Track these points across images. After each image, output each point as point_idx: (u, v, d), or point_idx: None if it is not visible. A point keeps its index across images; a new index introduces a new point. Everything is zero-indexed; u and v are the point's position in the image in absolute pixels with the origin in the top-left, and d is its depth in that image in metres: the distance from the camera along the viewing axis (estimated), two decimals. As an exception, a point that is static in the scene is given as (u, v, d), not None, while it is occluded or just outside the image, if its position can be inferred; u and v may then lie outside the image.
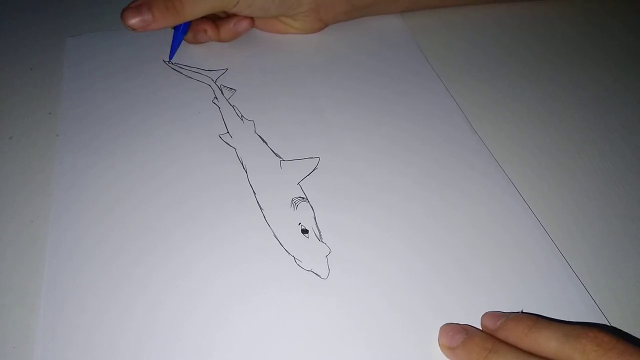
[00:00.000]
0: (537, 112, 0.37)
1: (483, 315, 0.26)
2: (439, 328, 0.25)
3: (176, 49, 0.38)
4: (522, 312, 0.26)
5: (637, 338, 0.25)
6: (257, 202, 0.30)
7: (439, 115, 0.35)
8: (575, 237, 0.29)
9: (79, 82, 0.36)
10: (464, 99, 0.37)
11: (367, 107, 0.36)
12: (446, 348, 0.24)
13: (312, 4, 0.38)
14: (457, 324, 0.25)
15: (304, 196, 0.30)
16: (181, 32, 0.37)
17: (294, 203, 0.30)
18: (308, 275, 0.27)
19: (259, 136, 0.34)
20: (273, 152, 0.33)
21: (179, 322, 0.25)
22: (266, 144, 0.33)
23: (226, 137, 0.33)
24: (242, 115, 0.35)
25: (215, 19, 0.39)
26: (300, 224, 0.29)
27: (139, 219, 0.29)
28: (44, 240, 0.28)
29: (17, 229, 0.28)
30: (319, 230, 0.29)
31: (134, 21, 0.34)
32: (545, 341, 0.22)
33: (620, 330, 0.26)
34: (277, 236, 0.28)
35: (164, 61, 0.38)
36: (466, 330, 0.24)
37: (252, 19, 0.38)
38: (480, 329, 0.25)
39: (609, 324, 0.26)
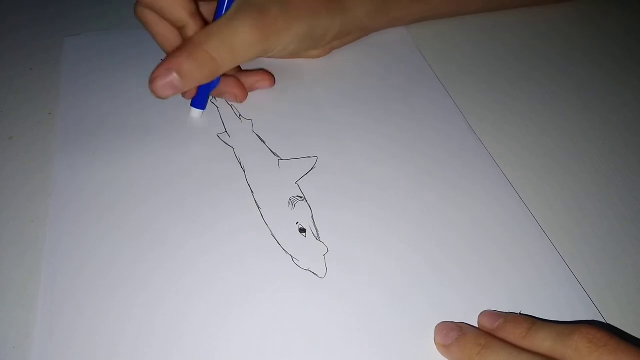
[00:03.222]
0: (535, 111, 0.36)
1: (480, 314, 0.26)
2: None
3: (206, 100, 0.34)
4: (520, 313, 0.26)
5: (631, 335, 0.26)
6: (255, 201, 0.30)
7: (437, 114, 0.35)
8: (573, 237, 0.29)
9: (78, 82, 0.36)
10: (462, 97, 0.37)
11: (365, 106, 0.36)
12: (441, 346, 0.24)
13: (334, 37, 0.37)
14: (452, 322, 0.25)
15: (302, 195, 0.30)
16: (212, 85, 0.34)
17: (292, 202, 0.30)
18: (306, 274, 0.27)
19: (257, 135, 0.34)
20: (271, 151, 0.33)
21: (176, 321, 0.25)
22: (264, 143, 0.33)
23: (224, 137, 0.33)
24: (240, 114, 0.35)
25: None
26: (297, 223, 0.29)
27: (137, 219, 0.29)
28: (44, 240, 0.28)
29: (17, 229, 0.29)
30: (316, 229, 0.29)
31: (161, 84, 0.29)
32: (541, 341, 0.23)
33: (615, 328, 0.26)
34: (274, 235, 0.29)
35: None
36: (460, 328, 0.24)
37: (272, 79, 0.37)
38: (476, 327, 0.25)
39: (604, 322, 0.26)
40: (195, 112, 0.34)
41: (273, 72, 0.37)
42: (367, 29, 0.40)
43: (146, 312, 0.25)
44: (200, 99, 0.34)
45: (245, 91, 0.35)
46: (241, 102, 0.35)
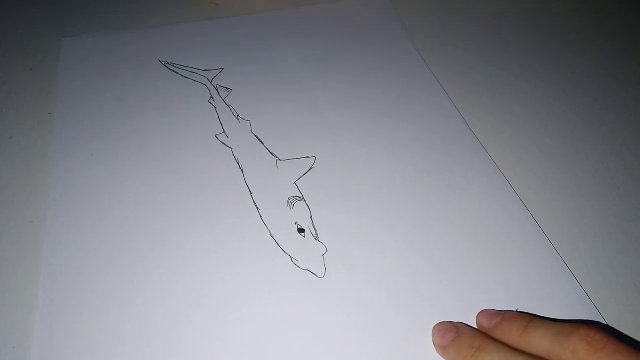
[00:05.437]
0: (535, 112, 0.36)
1: (478, 314, 0.26)
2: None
3: None
4: (517, 311, 0.26)
5: (630, 337, 0.25)
6: (254, 202, 0.30)
7: (436, 115, 0.35)
8: (573, 237, 0.29)
9: (76, 82, 0.36)
10: (460, 98, 0.37)
11: (363, 107, 0.36)
12: (438, 347, 0.24)
13: None
14: (449, 322, 0.25)
15: (301, 195, 0.30)
16: None
17: (290, 203, 0.30)
18: (305, 274, 0.27)
19: (255, 136, 0.34)
20: (269, 151, 0.33)
21: (176, 321, 0.25)
22: (262, 143, 0.33)
23: (222, 137, 0.33)
24: (238, 115, 0.35)
25: None
26: (296, 223, 0.29)
27: (136, 219, 0.29)
28: (43, 240, 0.28)
29: (17, 229, 0.29)
30: (315, 229, 0.29)
31: None
32: (538, 341, 0.22)
33: (614, 329, 0.26)
34: (273, 236, 0.29)
35: (159, 61, 0.38)
36: (457, 328, 0.24)
37: None
38: (475, 327, 0.25)
39: (605, 323, 0.26)
40: None
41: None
42: None
43: (146, 312, 0.25)
44: None
45: None
46: None
